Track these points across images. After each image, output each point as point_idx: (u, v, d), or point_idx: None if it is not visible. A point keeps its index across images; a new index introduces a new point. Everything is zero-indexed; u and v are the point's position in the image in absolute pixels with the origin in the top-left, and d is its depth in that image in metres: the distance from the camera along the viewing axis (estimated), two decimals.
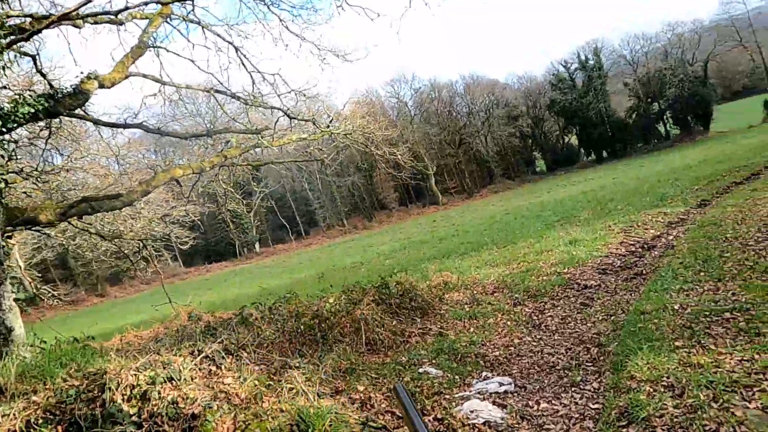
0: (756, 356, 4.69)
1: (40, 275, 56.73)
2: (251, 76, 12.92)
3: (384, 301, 8.78)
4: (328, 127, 13.36)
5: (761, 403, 3.95)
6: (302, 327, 7.34)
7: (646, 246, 11.89)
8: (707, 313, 5.93)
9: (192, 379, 5.48)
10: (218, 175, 15.31)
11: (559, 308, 8.49)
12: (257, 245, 70.01)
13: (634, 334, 5.89)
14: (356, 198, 73.64)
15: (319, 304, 8.42)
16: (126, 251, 14.18)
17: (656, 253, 10.98)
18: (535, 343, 7.03)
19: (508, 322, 8.04)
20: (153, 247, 17.57)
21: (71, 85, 8.88)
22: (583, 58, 67.21)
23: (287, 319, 7.61)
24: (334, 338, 7.13)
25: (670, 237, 12.20)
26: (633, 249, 11.82)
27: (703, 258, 8.46)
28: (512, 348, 6.93)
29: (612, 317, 7.27)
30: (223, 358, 5.82)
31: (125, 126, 9.45)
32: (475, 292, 10.37)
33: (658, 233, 12.97)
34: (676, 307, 6.40)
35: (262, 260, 61.27)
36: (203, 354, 5.74)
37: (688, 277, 7.67)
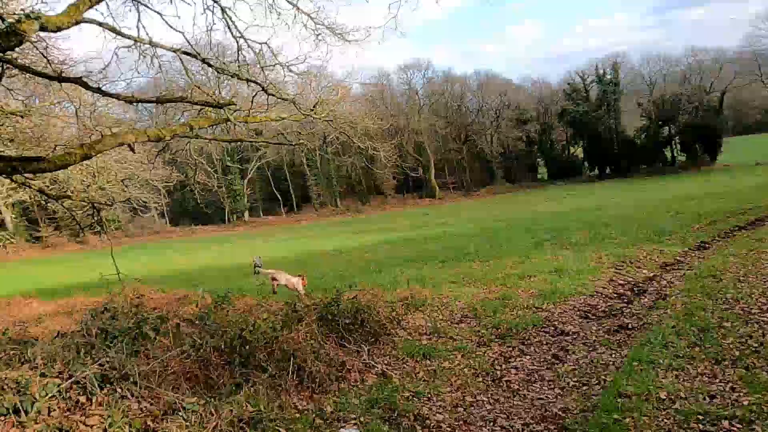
0: None
1: (21, 215, 55.26)
2: (236, 42, 11.68)
3: (332, 320, 7.67)
4: (312, 110, 12.10)
5: None
6: (223, 346, 6.19)
7: (636, 289, 10.80)
8: (701, 415, 4.82)
9: (49, 413, 4.35)
10: (189, 143, 14.07)
11: (527, 357, 7.39)
12: (246, 214, 68.78)
13: (606, 430, 4.78)
14: (353, 180, 72.14)
15: (254, 315, 7.30)
16: (76, 214, 12.92)
17: (646, 300, 9.88)
18: (489, 406, 5.91)
19: (466, 369, 6.93)
20: (133, 206, 16.32)
21: (6, 24, 7.57)
22: (601, 71, 65.73)
23: (211, 333, 6.45)
24: (256, 366, 5.98)
25: (664, 282, 11.11)
26: (621, 291, 10.73)
27: (700, 326, 7.31)
28: (461, 409, 5.81)
29: (585, 387, 6.15)
30: (99, 387, 4.68)
31: (60, 79, 8.13)
32: (440, 317, 9.28)
33: (651, 275, 11.90)
34: (662, 396, 5.27)
35: (249, 230, 60.08)
36: (73, 379, 4.61)
37: (680, 349, 6.54)
